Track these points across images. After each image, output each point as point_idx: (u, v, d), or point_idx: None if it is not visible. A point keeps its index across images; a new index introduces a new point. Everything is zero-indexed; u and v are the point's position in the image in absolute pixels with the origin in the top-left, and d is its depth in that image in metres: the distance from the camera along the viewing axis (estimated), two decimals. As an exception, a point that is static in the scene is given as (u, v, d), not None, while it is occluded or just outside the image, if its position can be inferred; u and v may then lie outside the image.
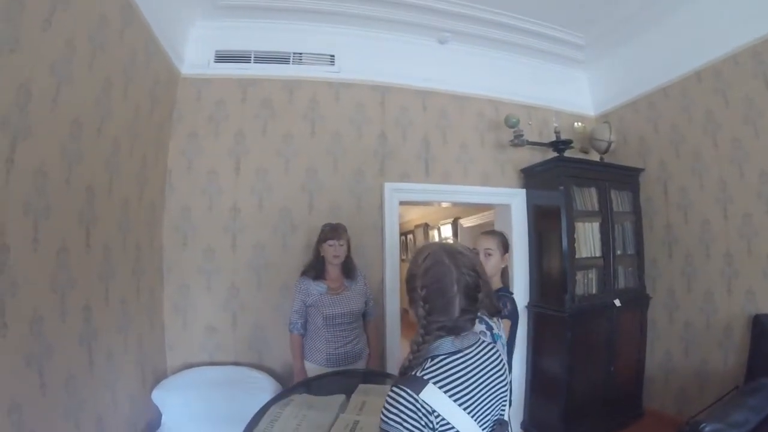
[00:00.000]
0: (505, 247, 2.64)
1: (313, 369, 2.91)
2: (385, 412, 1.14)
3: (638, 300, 4.12)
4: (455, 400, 1.16)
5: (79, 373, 2.24)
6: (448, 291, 1.26)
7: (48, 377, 1.95)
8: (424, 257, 1.32)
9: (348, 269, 3.11)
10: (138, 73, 2.95)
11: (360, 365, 3.03)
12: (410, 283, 1.33)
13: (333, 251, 2.98)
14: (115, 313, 2.70)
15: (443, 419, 1.13)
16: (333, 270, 3.06)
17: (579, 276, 3.83)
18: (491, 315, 1.40)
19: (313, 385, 2.50)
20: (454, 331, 1.27)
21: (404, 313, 3.98)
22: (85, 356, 2.32)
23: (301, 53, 3.96)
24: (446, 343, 1.25)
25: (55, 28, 1.97)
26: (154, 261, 3.39)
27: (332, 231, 3.02)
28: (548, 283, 4.02)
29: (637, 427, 3.95)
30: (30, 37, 1.79)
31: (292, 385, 2.60)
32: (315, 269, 3.03)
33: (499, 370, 1.33)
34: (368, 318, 3.24)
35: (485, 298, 1.33)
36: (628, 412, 4.03)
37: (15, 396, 1.72)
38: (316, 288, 2.97)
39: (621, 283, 4.08)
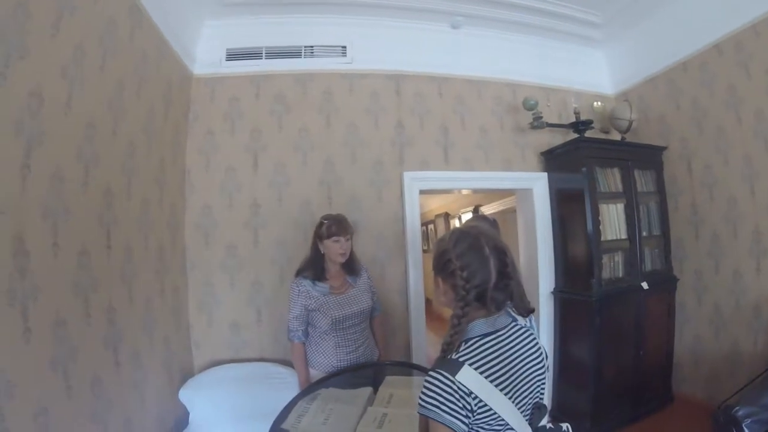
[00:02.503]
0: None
1: (318, 377, 2.62)
2: (423, 396, 1.16)
3: (665, 282, 4.02)
4: (491, 381, 1.17)
5: (105, 374, 2.26)
6: (482, 251, 1.28)
7: (74, 380, 1.97)
8: (450, 235, 1.38)
9: (351, 265, 2.81)
10: (150, 74, 2.96)
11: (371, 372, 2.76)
12: (443, 258, 1.33)
13: (339, 249, 2.66)
14: (139, 313, 2.73)
15: (480, 401, 1.13)
16: (334, 267, 2.75)
17: (605, 259, 3.74)
18: (521, 314, 1.38)
19: (338, 379, 2.49)
20: (491, 303, 1.28)
21: (428, 303, 3.96)
22: (110, 357, 2.34)
23: (312, 46, 3.93)
24: (479, 325, 1.27)
25: (63, 34, 1.97)
26: (177, 260, 3.42)
27: (337, 226, 2.67)
28: (574, 268, 3.94)
29: (667, 412, 3.88)
30: (38, 44, 1.80)
31: (315, 381, 2.57)
32: (314, 268, 2.71)
33: (535, 352, 1.34)
34: (374, 314, 2.94)
35: (515, 289, 1.33)
36: (657, 398, 3.95)
37: (41, 400, 1.73)
38: (318, 289, 2.67)
39: (648, 265, 3.98)
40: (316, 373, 2.67)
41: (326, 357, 2.65)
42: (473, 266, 1.26)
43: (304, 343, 2.71)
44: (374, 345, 2.90)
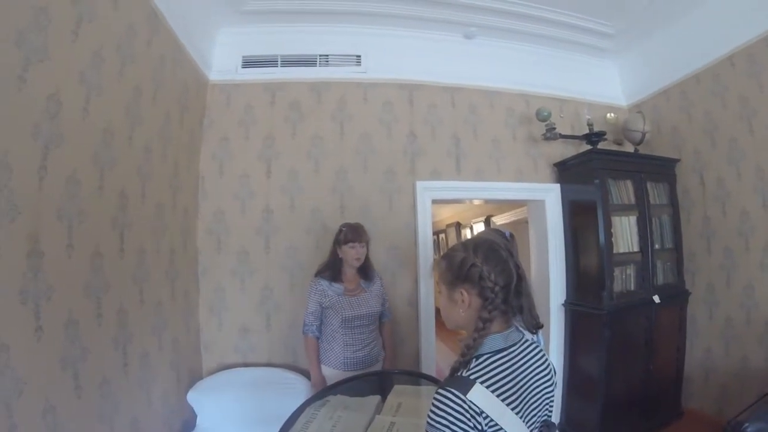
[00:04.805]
0: None
1: (329, 373, 2.85)
2: (432, 415, 1.11)
3: (677, 296, 3.98)
4: (502, 399, 1.14)
5: (114, 375, 2.29)
6: (500, 253, 1.29)
7: (83, 379, 1.99)
8: (463, 246, 1.36)
9: (365, 271, 3.04)
10: (167, 80, 3.01)
11: (377, 369, 2.96)
12: (464, 266, 1.30)
13: (354, 254, 2.90)
14: (150, 315, 2.76)
15: (491, 420, 1.10)
16: (350, 271, 2.98)
17: (617, 272, 3.72)
18: (530, 329, 1.37)
19: (347, 387, 2.49)
20: (511, 309, 1.29)
21: (438, 313, 3.94)
22: (120, 358, 2.37)
23: (327, 55, 3.98)
24: (495, 339, 1.24)
25: (82, 39, 2.02)
26: (188, 264, 3.46)
27: (353, 233, 2.92)
28: (585, 280, 3.91)
29: (676, 427, 3.83)
30: (58, 48, 1.84)
31: (324, 388, 2.60)
32: (332, 270, 2.94)
33: (545, 369, 1.31)
34: (384, 319, 3.15)
35: (525, 300, 1.33)
36: (667, 413, 3.90)
37: (50, 398, 1.76)
38: (333, 289, 2.90)
39: (660, 278, 3.94)
40: (326, 369, 2.87)
41: (335, 355, 2.84)
42: (498, 268, 1.26)
43: (317, 338, 2.92)
44: (381, 347, 3.07)
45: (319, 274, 2.98)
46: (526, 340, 1.33)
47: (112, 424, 2.24)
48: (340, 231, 2.98)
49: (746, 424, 2.40)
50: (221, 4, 3.53)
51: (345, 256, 2.92)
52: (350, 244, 2.90)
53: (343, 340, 2.84)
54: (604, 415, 3.58)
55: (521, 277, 1.30)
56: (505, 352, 1.23)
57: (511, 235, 2.55)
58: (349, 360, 2.82)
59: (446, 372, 1.29)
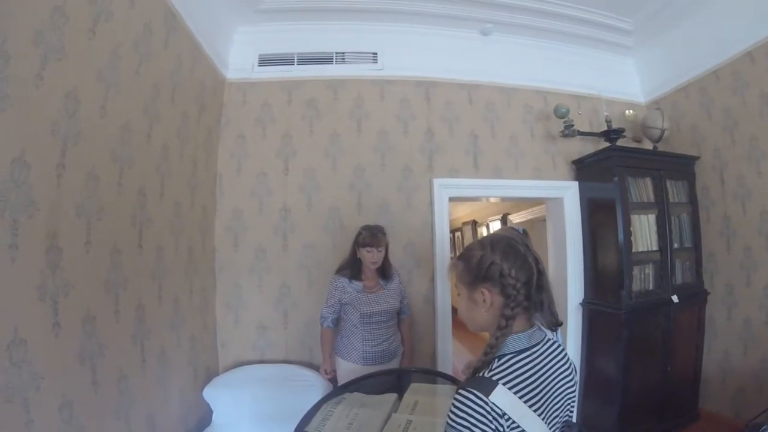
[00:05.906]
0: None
1: (348, 367, 2.91)
2: (453, 416, 1.09)
3: (696, 296, 3.91)
4: (525, 401, 1.12)
5: (131, 371, 2.31)
6: (518, 249, 1.26)
7: (100, 375, 2.01)
8: (480, 244, 1.33)
9: (384, 271, 3.12)
10: (184, 79, 3.03)
11: (395, 363, 3.04)
12: (483, 264, 1.26)
13: (371, 258, 2.99)
14: (168, 312, 2.78)
15: (513, 422, 1.08)
16: (369, 270, 3.06)
17: (635, 271, 3.66)
18: (550, 327, 1.34)
19: (363, 384, 2.48)
20: (533, 305, 1.26)
21: (454, 311, 3.92)
22: (137, 354, 2.39)
23: (343, 53, 3.98)
24: (518, 339, 1.22)
25: (100, 38, 2.03)
26: (206, 261, 3.49)
27: (371, 238, 2.99)
28: (603, 279, 3.86)
29: (692, 429, 3.77)
30: (76, 47, 1.85)
31: (340, 385, 2.60)
32: (351, 269, 3.04)
33: (567, 369, 1.29)
34: (402, 316, 3.24)
35: (546, 296, 1.29)
36: (683, 415, 3.84)
37: (67, 393, 1.77)
38: (352, 286, 2.99)
39: (678, 278, 3.87)
40: (346, 363, 2.96)
41: (355, 349, 2.95)
42: (518, 263, 1.23)
43: (331, 330, 3.04)
44: (400, 343, 3.16)
45: (340, 271, 3.09)
46: (549, 339, 1.31)
47: (128, 419, 2.26)
48: (360, 233, 3.06)
49: (764, 427, 2.36)
50: (237, 2, 3.55)
51: (362, 258, 3.01)
52: (367, 249, 2.98)
53: (362, 335, 2.94)
54: (621, 415, 3.54)
55: (541, 272, 1.27)
56: (528, 352, 1.21)
57: (525, 232, 2.51)
58: (368, 354, 2.91)
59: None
